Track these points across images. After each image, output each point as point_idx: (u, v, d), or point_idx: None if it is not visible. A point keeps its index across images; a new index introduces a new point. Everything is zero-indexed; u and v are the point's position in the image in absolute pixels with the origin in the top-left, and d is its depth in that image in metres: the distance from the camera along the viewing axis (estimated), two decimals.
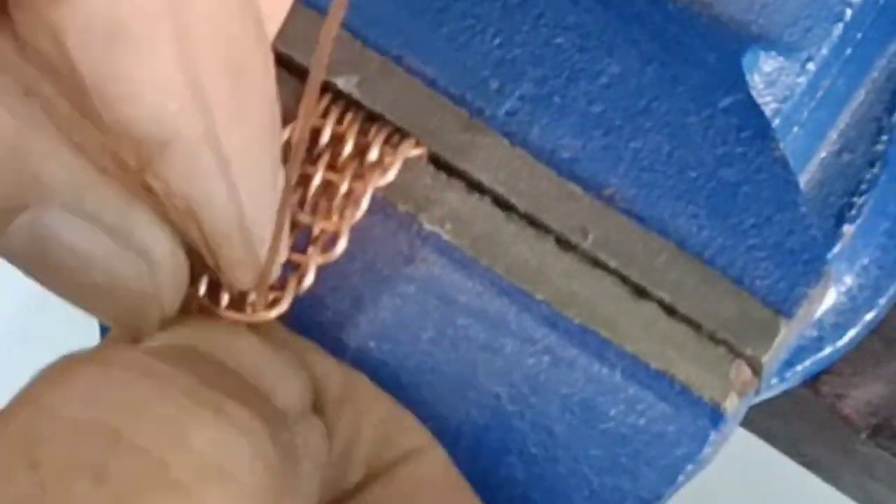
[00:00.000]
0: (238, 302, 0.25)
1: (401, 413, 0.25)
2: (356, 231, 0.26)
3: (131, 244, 0.23)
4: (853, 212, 0.34)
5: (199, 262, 0.24)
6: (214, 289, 0.25)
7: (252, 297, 0.25)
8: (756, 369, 0.27)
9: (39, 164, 0.22)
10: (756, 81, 0.30)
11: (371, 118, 0.27)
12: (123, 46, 0.20)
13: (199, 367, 0.22)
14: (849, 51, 0.31)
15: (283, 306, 0.25)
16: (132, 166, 0.22)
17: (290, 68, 0.27)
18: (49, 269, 0.23)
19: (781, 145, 0.28)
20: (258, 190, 0.22)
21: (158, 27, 0.20)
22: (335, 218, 0.26)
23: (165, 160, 0.21)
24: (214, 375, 0.22)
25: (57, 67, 0.20)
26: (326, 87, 0.27)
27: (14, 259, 0.23)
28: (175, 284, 0.23)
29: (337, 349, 0.26)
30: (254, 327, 0.25)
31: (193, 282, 0.25)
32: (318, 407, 0.25)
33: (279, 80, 0.26)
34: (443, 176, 0.27)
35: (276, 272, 0.25)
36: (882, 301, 0.35)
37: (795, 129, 0.31)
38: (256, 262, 0.24)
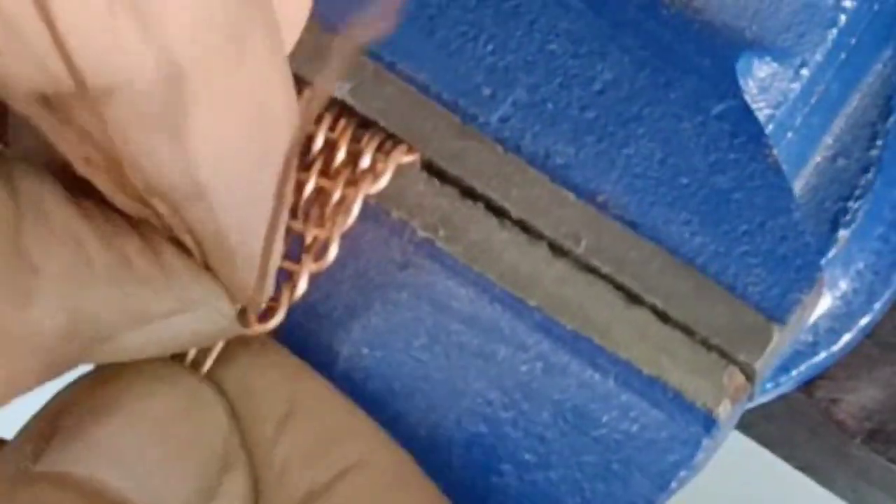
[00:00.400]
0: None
1: (343, 422, 0.25)
2: (349, 238, 0.26)
3: (195, 305, 0.24)
4: (848, 217, 0.34)
5: None
6: None
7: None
8: (749, 375, 0.27)
9: (92, 316, 0.22)
10: (750, 87, 0.30)
11: (364, 124, 0.27)
12: (159, 132, 0.20)
13: None
14: (843, 56, 0.31)
15: (279, 317, 0.25)
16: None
17: None
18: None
19: (775, 151, 0.28)
20: (268, 219, 0.22)
21: (195, 113, 0.20)
22: (327, 225, 0.26)
23: (194, 211, 0.22)
24: None
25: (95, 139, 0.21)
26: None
27: None
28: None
29: (329, 356, 0.26)
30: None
31: None
32: (254, 434, 0.25)
33: None
34: (435, 182, 0.27)
35: (269, 290, 0.25)
36: (877, 306, 0.35)
37: (789, 134, 0.31)
38: (255, 280, 0.24)
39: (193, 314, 0.23)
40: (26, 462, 0.23)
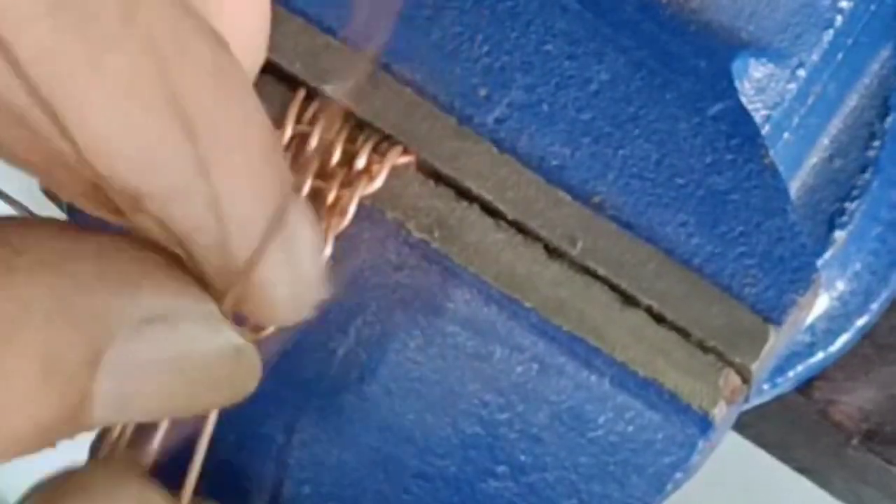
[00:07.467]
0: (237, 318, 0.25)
1: None
2: (344, 238, 0.26)
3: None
4: (845, 217, 0.34)
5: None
6: None
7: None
8: (745, 377, 0.26)
9: None
10: (746, 88, 0.30)
11: (359, 126, 0.27)
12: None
13: None
14: (840, 56, 0.31)
15: None
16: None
17: (278, 76, 0.27)
18: None
19: (771, 152, 0.28)
20: (249, 207, 0.22)
21: (150, 92, 0.19)
22: (322, 225, 0.26)
23: (155, 204, 0.21)
24: None
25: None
26: (315, 94, 0.27)
27: None
28: None
29: (325, 357, 0.26)
30: None
31: None
32: None
33: (267, 87, 0.26)
34: (431, 183, 0.27)
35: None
36: (874, 306, 0.35)
37: (786, 135, 0.31)
38: (235, 275, 0.23)
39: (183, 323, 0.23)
40: None
